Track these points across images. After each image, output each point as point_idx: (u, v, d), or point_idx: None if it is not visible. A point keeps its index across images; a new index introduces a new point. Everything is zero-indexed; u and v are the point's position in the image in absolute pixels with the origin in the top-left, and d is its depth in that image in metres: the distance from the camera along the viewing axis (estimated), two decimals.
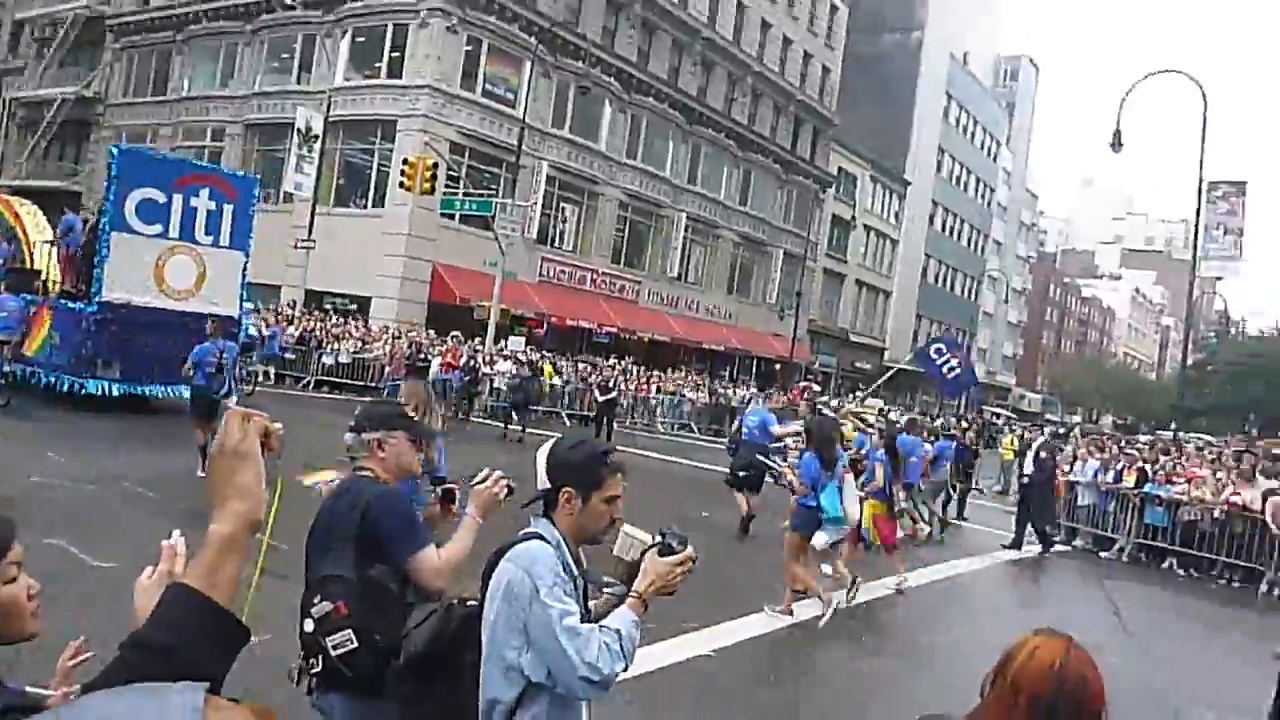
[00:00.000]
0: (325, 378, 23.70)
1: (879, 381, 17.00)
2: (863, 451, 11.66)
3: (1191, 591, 13.68)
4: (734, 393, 33.31)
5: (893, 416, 24.53)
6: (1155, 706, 7.93)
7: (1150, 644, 8.76)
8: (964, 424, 27.66)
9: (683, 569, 2.67)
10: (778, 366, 46.63)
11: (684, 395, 31.38)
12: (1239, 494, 14.37)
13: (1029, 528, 14.93)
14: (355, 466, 3.27)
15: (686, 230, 41.52)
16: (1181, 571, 14.91)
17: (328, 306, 30.68)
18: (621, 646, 2.47)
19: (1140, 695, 7.83)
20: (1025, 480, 15.43)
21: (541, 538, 2.63)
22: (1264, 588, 13.76)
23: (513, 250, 29.93)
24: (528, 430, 19.74)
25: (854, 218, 54.06)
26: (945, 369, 14.97)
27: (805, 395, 29.04)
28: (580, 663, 2.40)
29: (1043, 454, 15.65)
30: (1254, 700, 7.91)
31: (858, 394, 35.49)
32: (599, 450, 2.77)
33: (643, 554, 2.72)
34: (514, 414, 20.95)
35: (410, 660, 2.67)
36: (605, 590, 2.98)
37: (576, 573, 2.64)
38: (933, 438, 16.00)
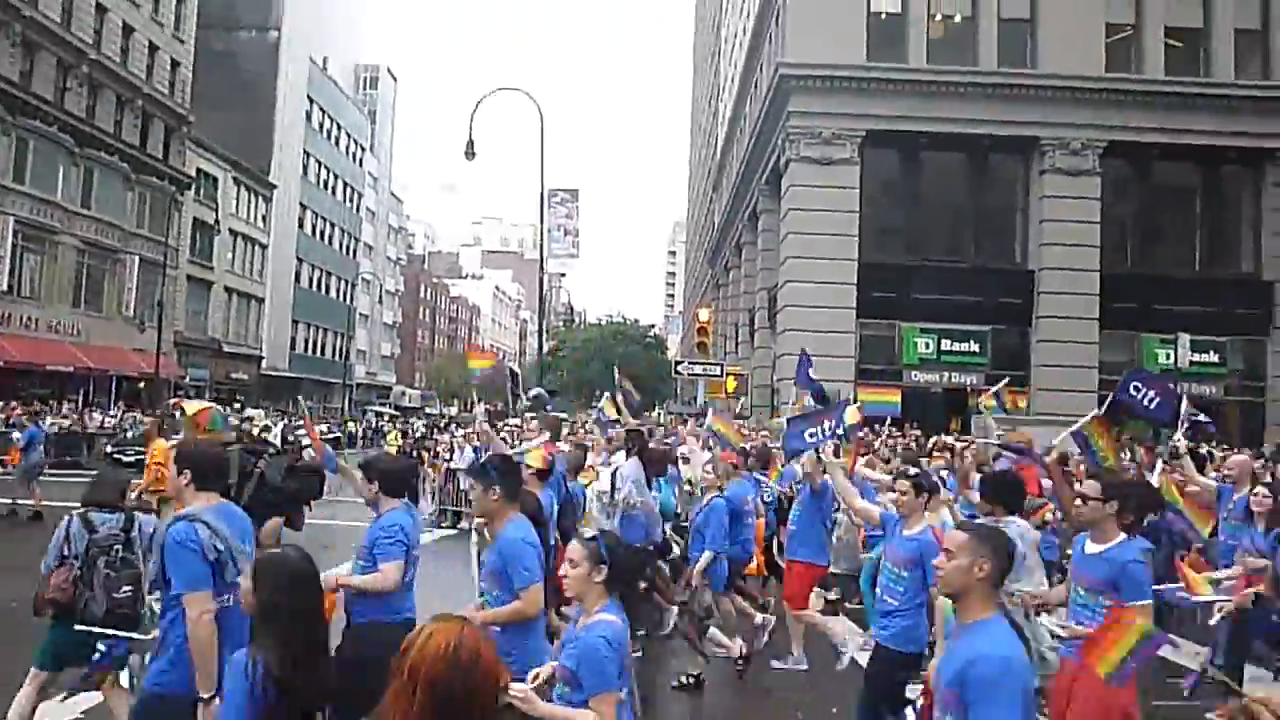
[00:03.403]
0: None
1: None
2: None
3: None
4: (91, 417, 29.74)
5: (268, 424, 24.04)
6: None
7: None
8: (350, 422, 28.10)
9: None
10: (142, 384, 42.42)
11: (40, 425, 27.06)
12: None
13: None
14: None
15: (16, 236, 35.77)
16: None
17: None
18: None
19: None
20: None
21: None
22: None
23: None
24: None
25: (218, 221, 51.18)
26: None
27: (178, 409, 27.01)
28: None
29: None
30: None
31: (236, 406, 33.95)
32: None
33: None
34: None
35: None
36: None
37: None
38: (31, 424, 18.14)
